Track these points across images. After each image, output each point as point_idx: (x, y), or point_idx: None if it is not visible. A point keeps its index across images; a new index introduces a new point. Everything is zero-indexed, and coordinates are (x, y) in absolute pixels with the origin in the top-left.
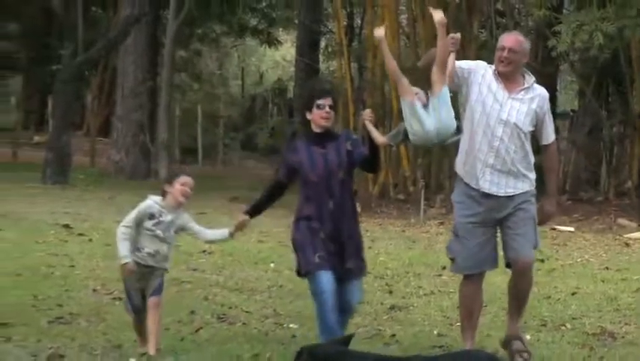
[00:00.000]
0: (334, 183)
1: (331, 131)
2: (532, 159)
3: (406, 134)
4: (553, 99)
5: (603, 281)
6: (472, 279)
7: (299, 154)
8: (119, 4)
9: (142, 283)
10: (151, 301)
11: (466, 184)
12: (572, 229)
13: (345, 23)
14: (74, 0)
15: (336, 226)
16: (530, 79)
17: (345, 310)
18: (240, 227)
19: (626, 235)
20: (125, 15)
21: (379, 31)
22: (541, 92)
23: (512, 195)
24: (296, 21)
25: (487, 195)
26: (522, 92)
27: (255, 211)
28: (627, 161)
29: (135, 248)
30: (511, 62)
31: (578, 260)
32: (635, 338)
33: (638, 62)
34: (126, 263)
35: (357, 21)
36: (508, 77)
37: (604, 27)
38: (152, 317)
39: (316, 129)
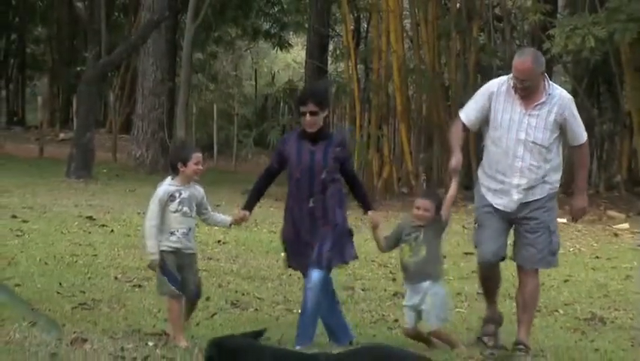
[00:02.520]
0: (316, 182)
1: (324, 131)
2: (557, 160)
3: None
4: None
5: (594, 269)
6: (488, 264)
7: (289, 145)
8: (139, 9)
9: (180, 271)
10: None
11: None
12: (564, 220)
13: (352, 27)
14: (98, 6)
15: (315, 222)
16: (549, 89)
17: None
18: (240, 222)
19: (615, 226)
20: (145, 20)
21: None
22: (561, 98)
23: (530, 201)
24: (306, 25)
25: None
26: (538, 107)
27: (251, 205)
28: (617, 156)
29: (168, 234)
30: (527, 88)
31: (570, 250)
32: (623, 322)
33: (628, 63)
34: (152, 260)
35: (364, 25)
36: (530, 92)
37: (595, 31)
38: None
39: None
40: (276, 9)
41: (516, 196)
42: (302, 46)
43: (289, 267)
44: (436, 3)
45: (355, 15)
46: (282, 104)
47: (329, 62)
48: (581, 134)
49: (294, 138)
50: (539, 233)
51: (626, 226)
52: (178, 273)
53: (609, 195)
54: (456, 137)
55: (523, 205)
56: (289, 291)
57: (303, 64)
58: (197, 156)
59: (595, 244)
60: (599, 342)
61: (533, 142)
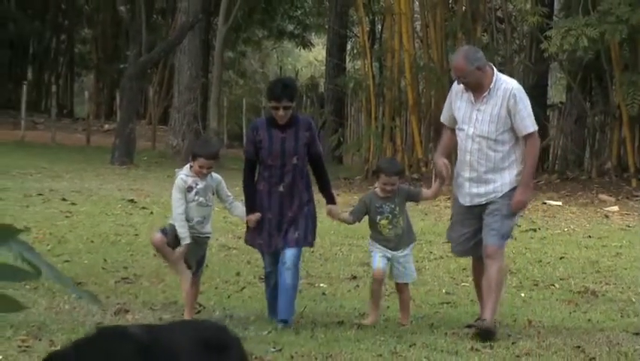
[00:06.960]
0: (287, 168)
1: (292, 117)
2: (514, 155)
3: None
4: (544, 93)
5: (586, 248)
6: (477, 258)
7: (260, 133)
8: (176, 12)
9: (191, 252)
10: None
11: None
12: (559, 203)
13: (368, 29)
14: (139, 9)
15: (283, 207)
16: (494, 82)
17: (282, 271)
18: (254, 225)
19: (606, 209)
20: (181, 22)
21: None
22: (505, 90)
23: (490, 196)
24: (326, 27)
25: (470, 207)
26: (485, 100)
27: (254, 207)
28: (607, 145)
29: (185, 222)
30: (467, 84)
31: (565, 230)
32: (613, 295)
33: (617, 61)
34: (188, 244)
35: (379, 27)
36: (474, 87)
37: (588, 32)
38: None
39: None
40: (299, 12)
41: (468, 190)
42: (322, 45)
43: (247, 242)
44: (444, 6)
45: (371, 17)
46: (304, 98)
47: (347, 60)
48: (525, 126)
49: (263, 125)
50: (493, 215)
51: (615, 208)
52: (191, 252)
53: (600, 180)
54: (441, 143)
55: (481, 197)
56: (311, 267)
57: (324, 62)
58: (203, 161)
59: (587, 225)
60: (591, 313)
61: (480, 135)
